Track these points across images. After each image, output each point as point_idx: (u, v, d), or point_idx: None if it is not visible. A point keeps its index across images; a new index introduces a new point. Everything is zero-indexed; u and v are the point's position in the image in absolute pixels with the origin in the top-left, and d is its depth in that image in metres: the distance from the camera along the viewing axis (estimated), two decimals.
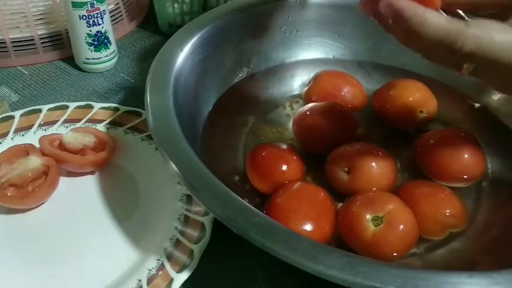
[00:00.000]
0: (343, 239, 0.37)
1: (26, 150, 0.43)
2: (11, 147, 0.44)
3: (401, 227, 0.35)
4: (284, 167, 0.40)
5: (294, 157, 0.41)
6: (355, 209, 0.36)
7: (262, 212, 0.31)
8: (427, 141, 0.44)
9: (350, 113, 0.46)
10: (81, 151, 0.43)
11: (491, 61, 0.28)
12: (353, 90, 0.50)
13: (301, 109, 0.47)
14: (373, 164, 0.40)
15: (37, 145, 0.44)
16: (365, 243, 0.35)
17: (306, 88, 0.52)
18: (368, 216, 0.35)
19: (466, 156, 0.41)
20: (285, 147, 0.42)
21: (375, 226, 0.35)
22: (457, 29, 0.27)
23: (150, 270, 0.35)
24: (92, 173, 0.44)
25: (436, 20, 0.27)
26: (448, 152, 0.42)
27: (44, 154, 0.43)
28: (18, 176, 0.40)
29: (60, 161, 0.42)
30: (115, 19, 0.65)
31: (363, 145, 0.42)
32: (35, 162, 0.41)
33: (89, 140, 0.44)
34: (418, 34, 0.27)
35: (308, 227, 0.35)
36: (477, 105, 0.51)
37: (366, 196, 0.37)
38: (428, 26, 0.27)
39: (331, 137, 0.44)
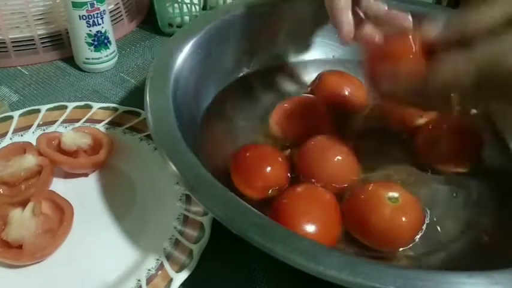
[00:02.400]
0: (353, 228, 0.37)
1: (23, 148, 0.43)
2: (9, 144, 0.44)
3: (414, 206, 0.37)
4: (268, 169, 0.39)
5: (279, 158, 0.41)
6: (373, 189, 0.38)
7: (266, 214, 0.30)
8: (427, 128, 0.45)
9: (318, 102, 0.47)
10: (74, 153, 0.43)
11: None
12: (355, 91, 0.50)
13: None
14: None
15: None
16: (384, 221, 0.35)
17: (310, 87, 0.52)
18: (386, 195, 0.36)
19: (463, 138, 0.43)
20: (269, 148, 0.42)
21: (393, 202, 0.36)
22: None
23: (149, 270, 0.35)
24: (86, 174, 0.44)
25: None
26: (447, 135, 0.44)
27: (39, 153, 0.42)
28: (11, 175, 0.40)
29: (53, 161, 0.42)
30: (115, 19, 0.65)
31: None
32: (30, 161, 0.41)
33: (84, 142, 0.44)
34: None
35: (316, 229, 0.35)
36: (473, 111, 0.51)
37: (376, 183, 0.39)
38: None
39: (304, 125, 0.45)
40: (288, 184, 0.40)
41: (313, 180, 0.40)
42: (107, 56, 0.59)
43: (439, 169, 0.44)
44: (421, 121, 0.47)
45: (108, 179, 0.44)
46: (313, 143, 0.42)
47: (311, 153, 0.41)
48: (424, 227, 0.38)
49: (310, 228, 0.35)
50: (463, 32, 0.30)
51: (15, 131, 0.46)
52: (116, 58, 0.61)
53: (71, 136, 0.44)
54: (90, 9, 0.54)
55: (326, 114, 0.46)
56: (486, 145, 0.44)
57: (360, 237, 0.37)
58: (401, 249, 0.37)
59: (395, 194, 0.37)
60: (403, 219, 0.36)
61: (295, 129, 0.45)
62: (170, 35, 0.47)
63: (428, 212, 0.41)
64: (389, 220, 0.35)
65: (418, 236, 0.37)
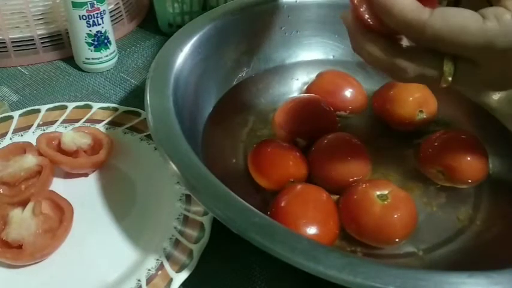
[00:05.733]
0: (347, 227, 0.38)
1: (23, 148, 0.43)
2: (9, 144, 0.44)
3: (405, 202, 0.37)
4: (289, 163, 0.41)
5: (297, 153, 0.42)
6: (362, 189, 0.38)
7: (266, 214, 0.31)
8: (431, 144, 0.44)
9: (321, 101, 0.47)
10: (75, 153, 0.43)
11: (459, 49, 0.26)
12: (353, 91, 0.50)
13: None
14: None
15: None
16: (374, 219, 0.36)
17: (307, 86, 0.52)
18: (375, 194, 0.37)
19: (469, 159, 0.42)
20: (287, 144, 0.43)
21: (382, 201, 0.36)
22: (418, 18, 0.26)
23: (149, 270, 0.35)
24: (86, 174, 0.44)
25: (404, 3, 0.26)
26: (452, 155, 0.42)
27: (39, 153, 0.42)
28: (11, 175, 0.40)
29: (53, 161, 0.42)
30: (115, 19, 0.65)
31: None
32: (30, 161, 0.41)
33: (84, 142, 0.44)
34: (385, 13, 0.27)
35: (317, 230, 0.35)
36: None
37: (369, 181, 0.40)
38: (396, 9, 0.26)
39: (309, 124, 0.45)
40: (306, 176, 0.41)
41: (326, 176, 0.41)
42: (107, 56, 0.59)
43: (444, 185, 0.43)
44: (422, 116, 0.47)
45: (108, 179, 0.44)
46: (326, 141, 0.43)
47: (325, 150, 0.42)
48: (419, 222, 0.38)
49: (308, 227, 0.35)
50: None
51: (15, 131, 0.46)
52: (116, 58, 0.61)
53: (71, 136, 0.44)
54: (90, 9, 0.54)
55: (329, 113, 0.47)
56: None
57: (356, 235, 0.38)
58: (402, 244, 0.38)
59: (384, 192, 0.37)
60: (394, 216, 0.36)
61: (299, 129, 0.45)
62: (170, 35, 0.47)
63: (427, 208, 0.41)
64: (380, 218, 0.36)
65: (415, 232, 0.37)
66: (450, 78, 0.28)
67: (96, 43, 0.57)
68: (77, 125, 0.48)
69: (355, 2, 0.29)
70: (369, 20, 0.29)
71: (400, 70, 0.29)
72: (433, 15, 0.26)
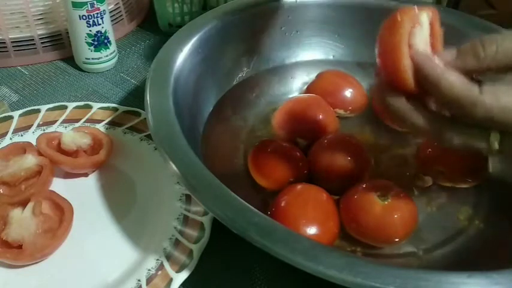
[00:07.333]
0: (348, 226, 0.38)
1: (23, 148, 0.43)
2: (9, 144, 0.44)
3: (405, 202, 0.37)
4: (289, 163, 0.41)
5: (297, 153, 0.42)
6: (362, 189, 0.38)
7: (266, 214, 0.31)
8: (431, 144, 0.44)
9: (321, 101, 0.47)
10: (75, 153, 0.43)
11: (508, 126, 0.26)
12: (353, 91, 0.50)
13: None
14: None
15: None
16: (375, 219, 0.36)
17: (307, 86, 0.52)
18: (376, 194, 0.37)
19: (469, 159, 0.42)
20: (287, 144, 0.43)
21: (383, 201, 0.36)
22: (469, 95, 0.26)
23: (149, 270, 0.35)
24: (86, 174, 0.44)
25: (452, 79, 0.26)
26: (452, 155, 0.42)
27: (39, 153, 0.42)
28: (11, 175, 0.40)
29: (53, 161, 0.42)
30: (115, 19, 0.65)
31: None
32: (30, 161, 0.41)
33: (84, 142, 0.44)
34: (434, 88, 0.27)
35: (317, 230, 0.35)
36: None
37: (369, 182, 0.40)
38: (444, 84, 0.26)
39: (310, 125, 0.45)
40: (306, 176, 0.41)
41: (326, 176, 0.41)
42: (107, 56, 0.58)
43: (444, 185, 0.43)
44: None
45: (108, 179, 0.44)
46: (326, 141, 0.43)
47: (325, 150, 0.42)
48: (419, 222, 0.38)
49: (308, 227, 0.35)
50: (479, 67, 0.27)
51: (15, 131, 0.46)
52: (116, 58, 0.61)
53: (71, 136, 0.44)
54: (90, 9, 0.54)
55: (329, 113, 0.47)
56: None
57: (356, 235, 0.38)
58: (402, 244, 0.38)
59: (384, 192, 0.37)
60: (394, 216, 0.36)
61: (299, 129, 0.45)
62: (170, 35, 0.47)
63: (427, 208, 0.41)
64: (380, 218, 0.36)
65: (415, 232, 0.38)
66: (496, 150, 0.28)
67: (96, 43, 0.57)
68: (77, 125, 0.48)
69: (402, 67, 0.28)
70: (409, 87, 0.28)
71: (446, 140, 0.28)
72: (484, 93, 0.25)
